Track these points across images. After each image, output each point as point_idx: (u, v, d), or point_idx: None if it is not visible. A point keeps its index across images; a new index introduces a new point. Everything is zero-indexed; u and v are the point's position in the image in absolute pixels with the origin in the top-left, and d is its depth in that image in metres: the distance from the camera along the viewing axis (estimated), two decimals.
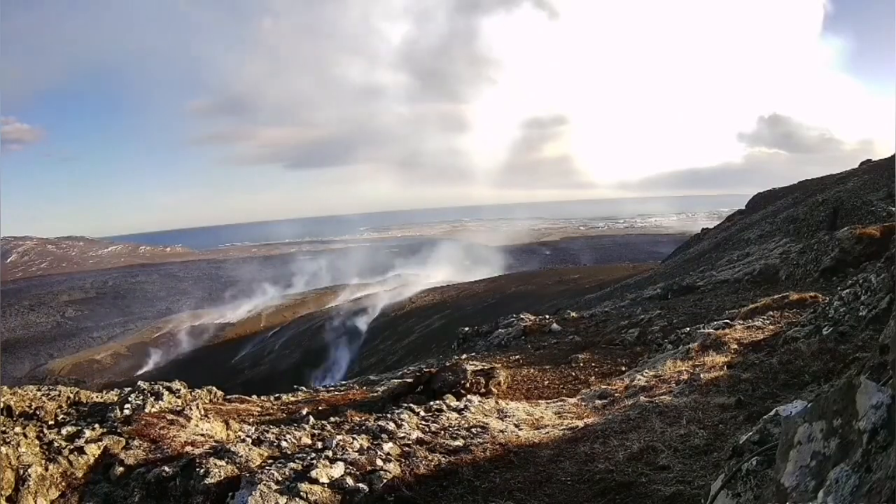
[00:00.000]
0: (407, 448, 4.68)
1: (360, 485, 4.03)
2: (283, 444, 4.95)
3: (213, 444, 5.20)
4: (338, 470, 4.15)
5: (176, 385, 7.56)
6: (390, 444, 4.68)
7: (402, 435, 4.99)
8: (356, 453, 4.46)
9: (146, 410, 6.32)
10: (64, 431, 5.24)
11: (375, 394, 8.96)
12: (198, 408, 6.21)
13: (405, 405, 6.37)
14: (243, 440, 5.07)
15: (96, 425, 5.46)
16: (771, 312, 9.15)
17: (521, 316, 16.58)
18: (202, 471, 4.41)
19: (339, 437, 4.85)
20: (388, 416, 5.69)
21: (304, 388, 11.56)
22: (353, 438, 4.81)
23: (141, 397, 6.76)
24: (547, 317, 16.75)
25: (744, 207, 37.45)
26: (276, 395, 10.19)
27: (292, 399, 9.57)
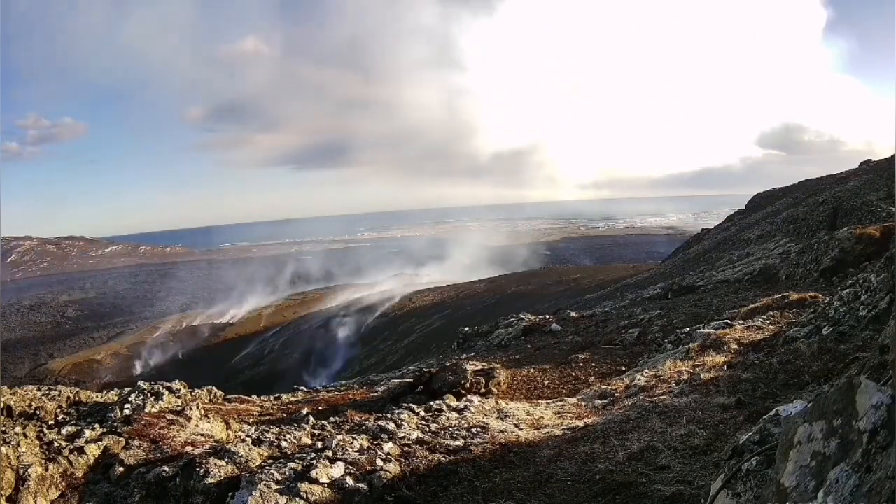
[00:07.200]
0: (407, 448, 4.68)
1: (360, 485, 4.03)
2: (283, 444, 4.95)
3: (213, 444, 5.20)
4: (338, 470, 4.15)
5: (176, 385, 7.55)
6: (390, 444, 4.68)
7: (402, 435, 4.99)
8: (356, 453, 4.46)
9: (146, 410, 6.32)
10: (64, 431, 5.24)
11: (375, 394, 8.95)
12: (198, 408, 6.21)
13: (405, 405, 6.37)
14: (243, 440, 5.07)
15: (96, 425, 5.46)
16: (771, 312, 9.15)
17: (521, 316, 16.58)
18: (202, 471, 4.40)
19: (339, 437, 4.85)
20: (388, 416, 5.69)
21: (304, 388, 11.56)
22: (353, 438, 4.81)
23: (141, 397, 6.75)
24: (547, 317, 16.75)
25: (744, 207, 37.44)
26: (276, 395, 10.18)
27: (292, 399, 9.57)
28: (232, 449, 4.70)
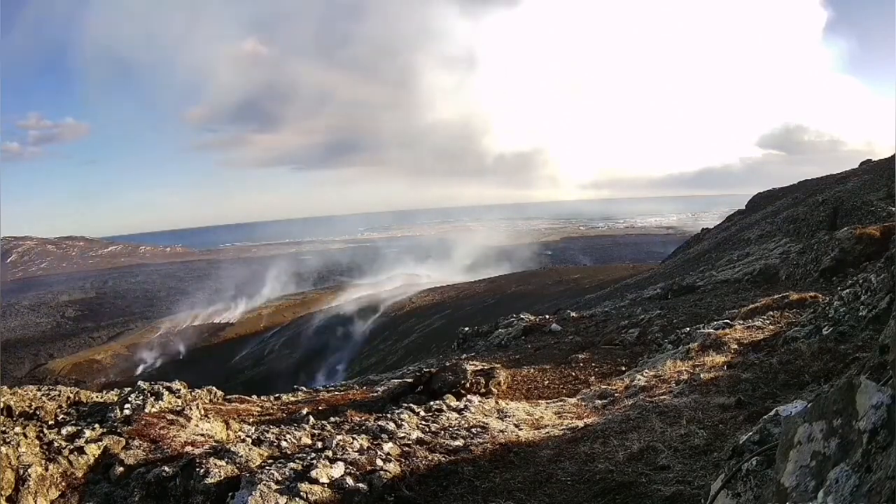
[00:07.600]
0: (407, 448, 4.68)
1: (360, 485, 4.03)
2: (283, 444, 4.95)
3: (213, 444, 5.20)
4: (338, 470, 4.15)
5: (176, 385, 7.55)
6: (390, 444, 4.68)
7: (402, 435, 4.99)
8: (356, 453, 4.46)
9: (146, 410, 6.32)
10: (64, 431, 5.24)
11: (375, 394, 8.95)
12: (198, 408, 6.21)
13: (405, 405, 6.37)
14: (243, 440, 5.07)
15: (96, 425, 5.46)
16: (771, 312, 9.15)
17: (521, 316, 16.58)
18: (202, 471, 4.40)
19: (339, 437, 4.85)
20: (388, 416, 5.69)
21: (304, 388, 11.55)
22: (353, 438, 4.81)
23: (141, 397, 6.75)
24: (547, 317, 16.75)
25: (744, 207, 37.44)
26: (276, 395, 10.18)
27: (292, 399, 9.57)
28: (232, 449, 4.70)
